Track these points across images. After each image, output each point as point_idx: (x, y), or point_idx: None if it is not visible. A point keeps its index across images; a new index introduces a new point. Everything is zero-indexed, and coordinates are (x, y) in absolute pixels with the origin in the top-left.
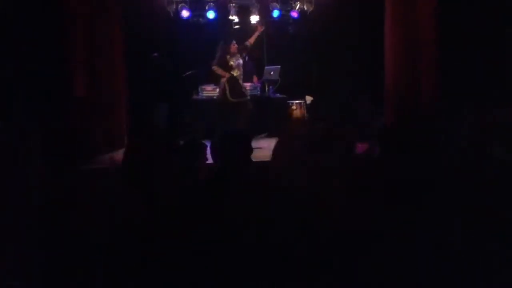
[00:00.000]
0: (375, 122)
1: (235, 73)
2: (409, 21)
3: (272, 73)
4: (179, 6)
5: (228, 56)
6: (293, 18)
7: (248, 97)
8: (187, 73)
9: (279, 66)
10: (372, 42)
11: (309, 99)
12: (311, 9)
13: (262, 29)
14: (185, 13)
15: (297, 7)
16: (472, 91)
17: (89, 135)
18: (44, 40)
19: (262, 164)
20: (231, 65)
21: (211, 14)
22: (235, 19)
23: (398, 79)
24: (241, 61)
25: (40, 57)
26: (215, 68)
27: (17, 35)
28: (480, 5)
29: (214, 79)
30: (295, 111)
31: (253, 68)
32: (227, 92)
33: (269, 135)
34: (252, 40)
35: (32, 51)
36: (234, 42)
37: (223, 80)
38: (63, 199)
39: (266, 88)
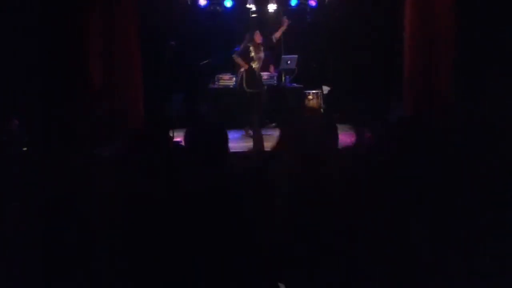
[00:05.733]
0: (391, 115)
1: (254, 64)
2: (429, 13)
3: (289, 62)
4: None
5: (251, 47)
6: (311, 7)
7: (264, 88)
8: (204, 61)
9: (296, 56)
10: (391, 32)
11: (326, 89)
12: None
13: (288, 23)
14: (202, 1)
15: None
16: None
17: (106, 124)
18: (60, 32)
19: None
20: (252, 57)
21: (228, 3)
22: (253, 7)
23: (417, 71)
24: (262, 55)
25: (57, 48)
26: (235, 56)
27: (32, 27)
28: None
29: (234, 68)
30: (311, 101)
31: (270, 58)
32: (244, 82)
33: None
34: (278, 35)
35: (48, 43)
36: (259, 32)
37: (241, 70)
38: (81, 185)
39: (283, 78)
